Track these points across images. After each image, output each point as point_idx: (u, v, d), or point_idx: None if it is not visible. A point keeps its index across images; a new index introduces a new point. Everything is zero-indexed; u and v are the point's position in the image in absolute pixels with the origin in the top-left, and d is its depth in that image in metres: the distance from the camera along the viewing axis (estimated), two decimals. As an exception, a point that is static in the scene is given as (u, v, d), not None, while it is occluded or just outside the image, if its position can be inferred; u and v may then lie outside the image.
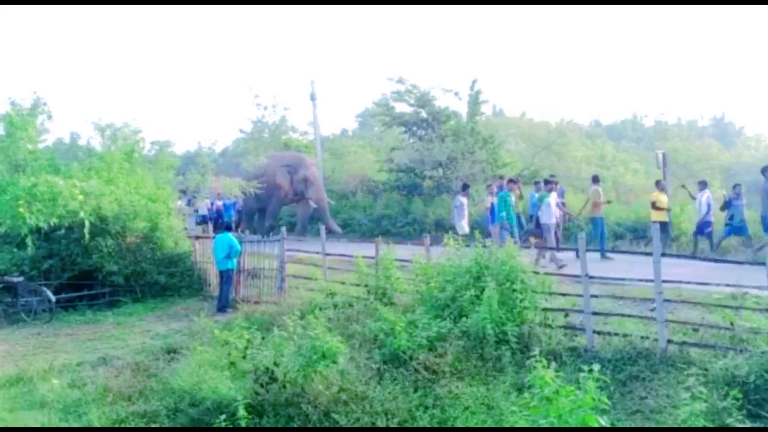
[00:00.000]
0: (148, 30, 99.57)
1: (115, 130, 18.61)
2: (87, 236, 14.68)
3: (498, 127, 34.60)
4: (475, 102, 26.34)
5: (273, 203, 24.51)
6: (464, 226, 15.76)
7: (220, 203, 27.45)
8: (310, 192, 24.06)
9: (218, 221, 26.45)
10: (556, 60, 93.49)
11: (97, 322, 14.19)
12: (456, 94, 26.60)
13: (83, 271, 15.69)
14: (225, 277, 14.19)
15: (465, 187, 17.44)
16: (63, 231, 15.10)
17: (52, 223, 14.32)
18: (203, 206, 25.98)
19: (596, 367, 5.97)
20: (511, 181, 17.12)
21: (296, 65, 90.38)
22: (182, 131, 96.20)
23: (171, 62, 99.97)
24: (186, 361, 9.80)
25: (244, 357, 8.92)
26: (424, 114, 26.42)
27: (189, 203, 24.26)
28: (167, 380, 9.20)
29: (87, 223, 14.58)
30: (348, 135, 45.57)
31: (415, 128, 26.58)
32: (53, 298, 14.61)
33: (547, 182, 15.89)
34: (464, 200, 16.49)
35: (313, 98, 28.86)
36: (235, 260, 14.29)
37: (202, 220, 24.87)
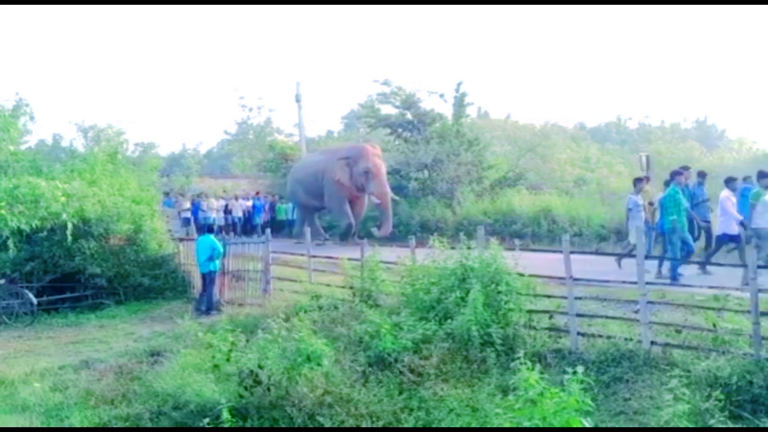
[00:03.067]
0: (133, 31, 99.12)
1: (99, 131, 18.63)
2: (69, 238, 14.56)
3: (483, 129, 34.74)
4: (460, 104, 26.39)
5: (336, 201, 21.81)
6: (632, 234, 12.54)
7: (249, 203, 26.41)
8: (371, 185, 20.97)
9: (246, 224, 25.90)
10: (541, 62, 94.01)
11: (80, 324, 14.06)
12: (441, 96, 26.65)
13: (65, 273, 15.54)
14: (208, 279, 14.11)
15: (638, 182, 14.01)
16: (45, 233, 14.94)
17: (34, 225, 14.17)
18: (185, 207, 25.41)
19: (580, 369, 6.02)
20: (678, 173, 13.14)
21: (281, 67, 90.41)
22: (167, 132, 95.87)
23: (155, 63, 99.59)
24: (170, 363, 9.75)
25: (228, 360, 8.87)
26: (409, 116, 26.44)
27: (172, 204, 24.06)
28: (150, 383, 9.15)
29: (70, 225, 14.46)
30: (334, 137, 45.51)
31: (400, 130, 26.59)
32: (35, 300, 14.47)
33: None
34: (639, 199, 13.52)
35: (298, 100, 28.83)
36: (217, 262, 14.19)
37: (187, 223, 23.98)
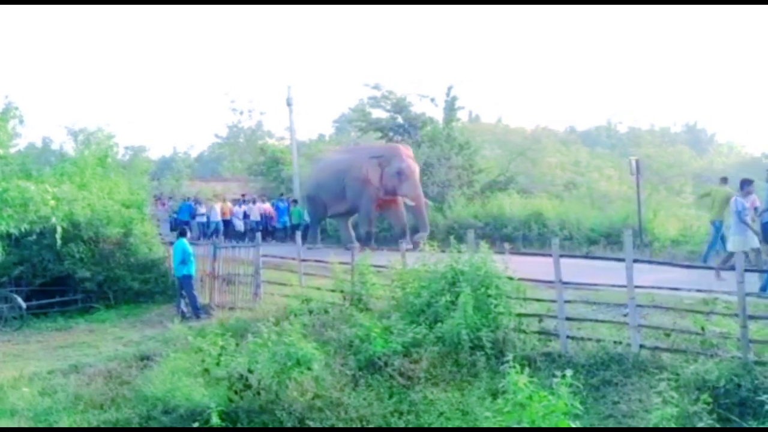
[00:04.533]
0: (124, 34, 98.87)
1: (89, 134, 18.50)
2: (59, 242, 14.46)
3: (474, 133, 34.75)
4: (451, 108, 26.48)
5: (365, 204, 20.20)
6: (751, 239, 11.69)
7: (267, 206, 25.45)
8: (404, 187, 19.52)
9: (266, 227, 24.59)
10: (532, 66, 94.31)
11: (69, 329, 14.02)
12: (432, 100, 26.73)
13: (55, 277, 15.50)
14: (183, 283, 14.03)
15: (745, 184, 12.55)
16: (34, 237, 14.85)
17: (23, 229, 14.05)
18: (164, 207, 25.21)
19: (569, 372, 6.06)
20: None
21: (273, 70, 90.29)
22: (157, 136, 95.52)
23: (146, 66, 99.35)
24: (159, 368, 9.72)
25: (218, 364, 8.86)
26: (400, 120, 26.51)
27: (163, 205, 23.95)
28: (140, 387, 9.14)
29: (59, 229, 14.34)
30: (325, 140, 45.48)
31: (391, 134, 26.63)
32: (24, 305, 14.41)
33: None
34: (747, 203, 12.29)
35: (289, 103, 28.80)
36: (192, 266, 14.09)
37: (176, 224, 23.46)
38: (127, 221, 16.31)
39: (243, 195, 27.77)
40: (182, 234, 14.67)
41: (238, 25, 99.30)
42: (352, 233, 21.21)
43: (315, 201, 21.76)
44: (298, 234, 16.25)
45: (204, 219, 24.55)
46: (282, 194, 25.67)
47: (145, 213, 17.37)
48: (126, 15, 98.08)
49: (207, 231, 24.00)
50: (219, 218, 24.46)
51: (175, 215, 25.16)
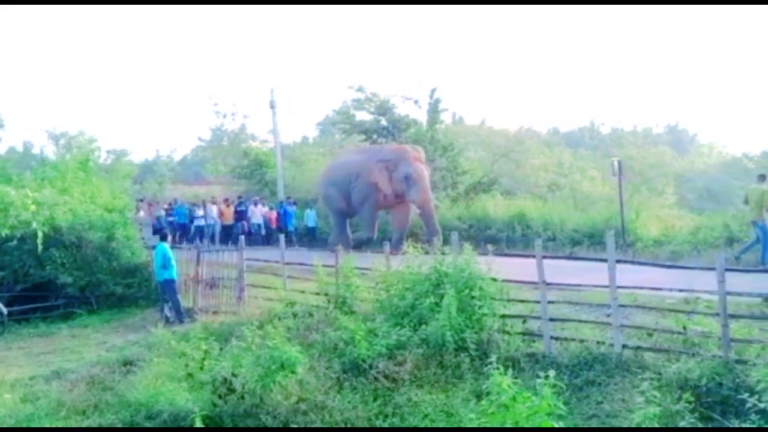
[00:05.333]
0: (105, 37, 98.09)
1: (70, 138, 18.46)
2: (40, 247, 14.38)
3: (458, 135, 34.86)
4: (434, 110, 26.56)
5: (366, 208, 19.98)
6: None
7: (266, 209, 24.52)
8: (412, 192, 18.96)
9: (270, 231, 23.64)
10: (516, 68, 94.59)
11: (51, 334, 13.89)
12: (416, 102, 26.80)
13: (36, 282, 15.38)
14: (165, 287, 13.92)
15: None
16: (15, 242, 14.77)
17: (3, 234, 14.00)
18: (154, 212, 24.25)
19: (552, 372, 6.09)
20: None
21: (256, 73, 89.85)
22: (140, 140, 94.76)
23: (128, 70, 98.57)
24: (142, 373, 9.66)
25: (201, 368, 8.84)
26: (384, 122, 26.55)
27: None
28: (123, 393, 9.07)
29: (40, 234, 14.28)
30: (309, 143, 45.46)
31: (375, 136, 26.66)
32: (5, 310, 14.28)
33: None
34: None
35: (272, 106, 28.75)
36: (173, 270, 13.99)
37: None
38: (109, 225, 16.19)
39: (239, 197, 26.95)
40: (163, 238, 14.56)
41: (221, 27, 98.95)
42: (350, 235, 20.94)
43: (333, 199, 21.06)
44: (282, 237, 16.14)
45: (202, 222, 23.78)
46: (289, 197, 25.11)
47: (127, 217, 17.24)
48: (107, 18, 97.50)
49: (205, 234, 23.12)
50: (216, 221, 23.83)
51: (171, 219, 24.27)
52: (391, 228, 20.38)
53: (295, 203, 24.75)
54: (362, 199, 19.87)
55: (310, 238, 23.70)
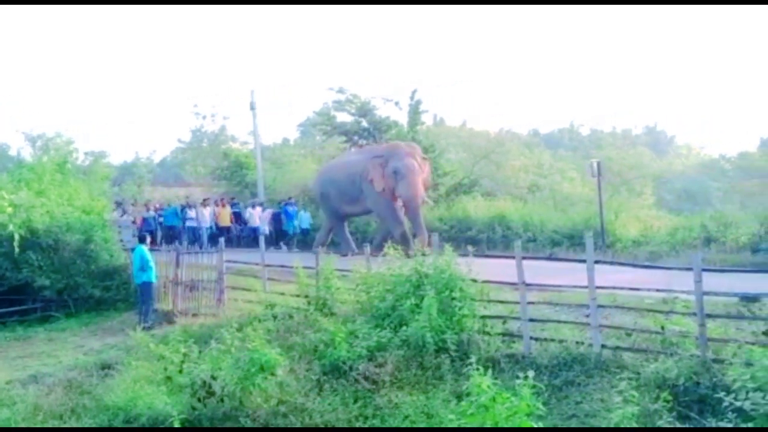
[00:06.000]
0: (83, 37, 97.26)
1: (47, 140, 18.26)
2: (17, 250, 14.22)
3: (438, 136, 34.96)
4: (415, 112, 26.60)
5: (385, 204, 19.23)
6: None
7: (257, 211, 23.71)
8: (400, 187, 18.50)
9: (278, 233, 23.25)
10: (496, 70, 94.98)
11: (28, 338, 13.70)
12: (396, 104, 26.84)
13: (13, 286, 15.15)
14: (141, 290, 13.80)
15: None
16: (-9, 245, 14.59)
17: (-22, 237, 13.84)
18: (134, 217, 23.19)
19: (532, 373, 6.12)
20: None
21: (236, 74, 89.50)
22: (119, 141, 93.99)
23: (106, 71, 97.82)
24: (121, 376, 9.57)
25: (180, 371, 8.77)
26: (365, 123, 26.57)
27: (123, 214, 22.72)
28: (101, 397, 8.99)
29: (16, 237, 14.14)
30: (289, 144, 45.34)
31: (356, 138, 26.67)
32: (-19, 314, 14.08)
33: None
34: None
35: (252, 107, 28.65)
36: (151, 273, 13.84)
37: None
38: (87, 228, 16.01)
39: (232, 198, 26.28)
40: (141, 240, 14.45)
41: (201, 28, 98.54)
42: (350, 239, 20.76)
43: (329, 200, 20.74)
44: (261, 238, 16.06)
45: (194, 224, 22.87)
46: (290, 198, 24.79)
47: (105, 219, 17.07)
48: (85, 19, 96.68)
49: (197, 237, 22.32)
50: (208, 224, 22.91)
51: (161, 220, 23.47)
52: (377, 228, 20.11)
53: (295, 204, 24.20)
54: (376, 199, 19.27)
55: (306, 240, 23.05)
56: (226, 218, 23.28)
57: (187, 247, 16.74)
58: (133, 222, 22.38)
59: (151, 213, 23.43)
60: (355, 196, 19.79)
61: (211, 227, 22.87)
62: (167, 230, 22.78)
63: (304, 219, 23.65)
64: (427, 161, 19.73)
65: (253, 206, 24.07)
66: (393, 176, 18.65)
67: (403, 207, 18.99)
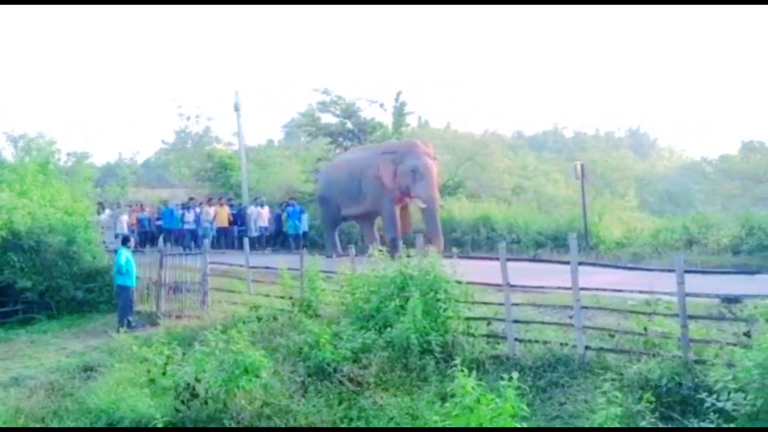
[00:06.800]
0: (65, 37, 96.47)
1: (29, 140, 18.08)
2: (-2, 251, 14.11)
3: (423, 138, 34.95)
4: (400, 113, 26.59)
5: (386, 206, 18.33)
6: None
7: (266, 211, 22.95)
8: (418, 188, 17.62)
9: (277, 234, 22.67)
10: (480, 72, 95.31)
11: (9, 340, 13.58)
12: (381, 105, 26.80)
13: (-6, 288, 15.04)
14: (119, 292, 13.73)
15: None
16: (-28, 246, 14.45)
17: (-41, 238, 13.70)
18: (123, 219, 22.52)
19: (516, 374, 6.16)
20: None
21: (220, 75, 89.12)
22: (102, 142, 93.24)
23: (90, 70, 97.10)
24: (103, 379, 9.54)
25: (164, 373, 8.75)
26: (349, 125, 26.52)
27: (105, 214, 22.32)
28: (83, 399, 8.96)
29: (-2, 238, 14.01)
30: (274, 145, 45.23)
31: (341, 139, 26.62)
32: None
33: None
34: None
35: (237, 108, 28.54)
36: (128, 277, 13.65)
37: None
38: (69, 229, 15.91)
39: (229, 199, 25.41)
40: (124, 242, 14.36)
41: (185, 28, 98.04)
42: (338, 242, 20.09)
43: (328, 202, 20.05)
44: (246, 240, 15.98)
45: (193, 226, 22.22)
46: (292, 198, 24.45)
47: (88, 220, 16.95)
48: (68, 18, 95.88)
49: (195, 238, 21.71)
50: (212, 224, 22.22)
51: (158, 222, 22.99)
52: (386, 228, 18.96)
53: (296, 205, 23.26)
54: (378, 197, 18.40)
55: (304, 242, 21.93)
56: (224, 219, 22.53)
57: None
58: (131, 223, 22.03)
59: (146, 214, 23.11)
60: (354, 195, 19.03)
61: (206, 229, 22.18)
62: (166, 233, 22.03)
63: (303, 220, 22.89)
64: (435, 161, 19.12)
65: (262, 205, 23.24)
66: (410, 175, 17.72)
67: (402, 208, 18.49)
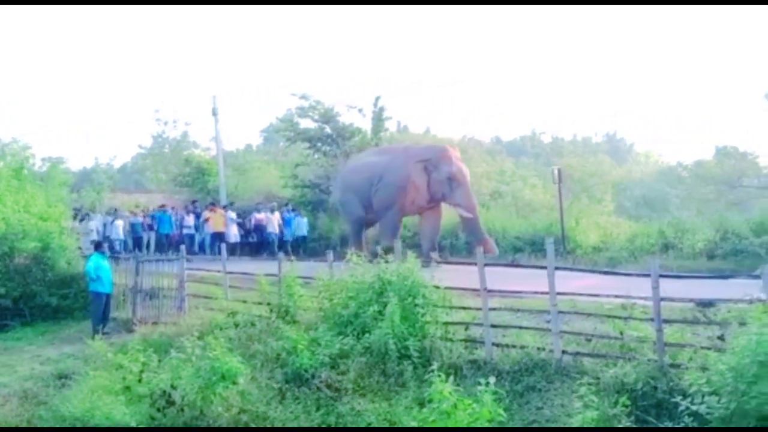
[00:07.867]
0: (40, 40, 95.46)
1: (3, 145, 17.87)
2: (-30, 258, 13.90)
3: (402, 143, 35.05)
4: (378, 118, 26.57)
5: (391, 215, 18.08)
6: None
7: (261, 215, 22.45)
8: (457, 196, 17.37)
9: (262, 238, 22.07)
10: (458, 77, 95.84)
11: (-18, 348, 13.39)
12: (360, 110, 26.76)
13: (-34, 295, 14.82)
14: (91, 298, 13.61)
15: None
16: (-56, 253, 14.23)
17: (-69, 245, 13.48)
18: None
19: (493, 379, 6.17)
20: None
21: (198, 80, 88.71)
22: (77, 147, 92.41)
23: (65, 74, 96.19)
24: (78, 386, 9.42)
25: (139, 381, 8.65)
26: (328, 130, 26.46)
27: (82, 220, 21.95)
28: (57, 408, 8.84)
29: (-29, 244, 13.81)
30: (252, 150, 45.15)
31: (319, 144, 26.56)
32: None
33: None
34: None
35: (215, 113, 28.42)
36: (102, 282, 13.57)
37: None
38: (44, 235, 15.73)
39: (231, 203, 24.57)
40: (98, 247, 14.23)
41: (162, 32, 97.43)
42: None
43: (351, 206, 19.49)
44: (224, 247, 15.88)
45: (192, 231, 21.87)
46: (288, 203, 24.02)
47: (63, 226, 16.76)
48: (42, 20, 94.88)
49: (196, 245, 21.47)
50: (211, 230, 21.59)
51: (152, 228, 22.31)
52: (421, 236, 18.69)
53: (291, 210, 23.24)
54: (387, 203, 18.12)
55: (303, 247, 22.11)
56: (219, 223, 21.82)
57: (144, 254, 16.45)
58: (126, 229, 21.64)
59: (139, 219, 22.71)
60: (367, 199, 18.66)
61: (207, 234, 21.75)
62: (163, 238, 21.71)
63: (301, 225, 22.71)
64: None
65: (272, 211, 22.64)
66: (447, 183, 17.40)
67: (433, 215, 18.18)
